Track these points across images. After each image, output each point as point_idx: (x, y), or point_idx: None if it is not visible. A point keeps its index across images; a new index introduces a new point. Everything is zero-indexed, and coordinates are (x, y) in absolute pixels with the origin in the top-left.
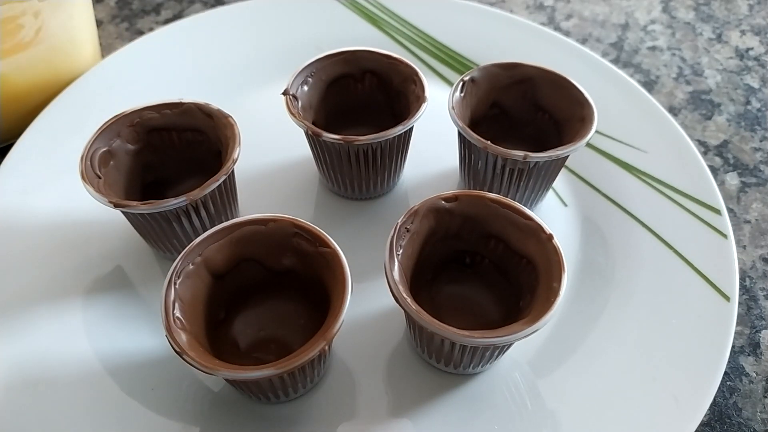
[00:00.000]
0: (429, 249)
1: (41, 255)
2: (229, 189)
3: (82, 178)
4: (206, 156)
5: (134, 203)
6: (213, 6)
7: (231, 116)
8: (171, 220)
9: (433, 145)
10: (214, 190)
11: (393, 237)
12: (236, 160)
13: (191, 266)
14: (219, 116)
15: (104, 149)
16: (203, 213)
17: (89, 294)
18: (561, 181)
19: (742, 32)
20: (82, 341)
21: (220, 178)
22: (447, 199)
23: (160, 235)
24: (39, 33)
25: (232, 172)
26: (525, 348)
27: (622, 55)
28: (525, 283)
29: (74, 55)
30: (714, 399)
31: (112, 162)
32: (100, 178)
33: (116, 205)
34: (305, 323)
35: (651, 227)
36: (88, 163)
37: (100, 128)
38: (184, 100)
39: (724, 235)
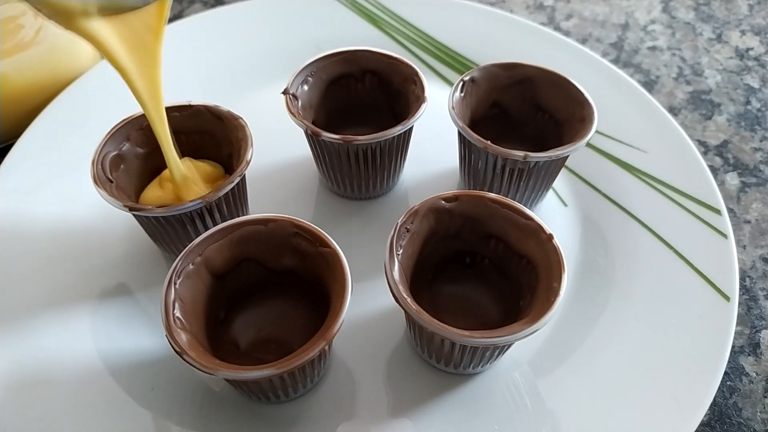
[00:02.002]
0: (429, 249)
1: (42, 255)
2: (241, 190)
3: (95, 182)
4: (215, 158)
5: (149, 207)
6: (213, 6)
7: (242, 118)
8: (185, 223)
9: (433, 145)
10: (227, 192)
11: (393, 237)
12: (249, 161)
13: (191, 266)
14: (229, 118)
15: (114, 153)
16: (216, 215)
17: (90, 294)
18: (561, 181)
19: (742, 32)
20: (83, 341)
21: (235, 180)
22: (447, 199)
23: (173, 238)
24: (39, 33)
25: (244, 173)
26: (525, 348)
27: (622, 55)
28: (525, 283)
29: (74, 55)
30: (714, 399)
31: (122, 165)
32: (112, 182)
33: (131, 209)
34: (305, 323)
35: (651, 227)
36: (100, 167)
37: (109, 132)
38: (192, 103)
39: (724, 235)
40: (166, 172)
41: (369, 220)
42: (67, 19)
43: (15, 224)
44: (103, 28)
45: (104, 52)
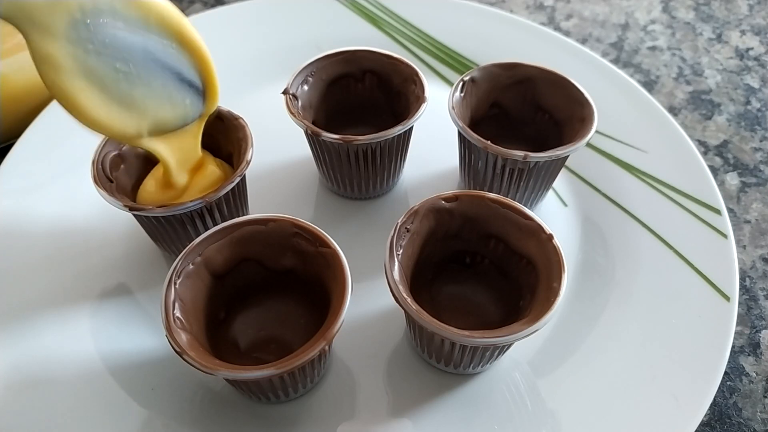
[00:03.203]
0: (429, 249)
1: (42, 256)
2: (241, 190)
3: (95, 182)
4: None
5: (149, 207)
6: (213, 6)
7: (242, 118)
8: (185, 223)
9: (433, 145)
10: (227, 192)
11: (393, 237)
12: (249, 161)
13: (191, 266)
14: (229, 118)
15: (114, 153)
16: (216, 215)
17: (90, 294)
18: (561, 181)
19: (742, 32)
20: (83, 341)
21: (235, 180)
22: (447, 199)
23: (173, 238)
24: None
25: (244, 173)
26: (525, 348)
27: (622, 55)
28: (525, 283)
29: None
30: (714, 399)
31: (122, 165)
32: (112, 182)
33: (131, 209)
34: (305, 323)
35: (651, 227)
36: (100, 167)
37: None
38: None
39: (724, 235)
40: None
41: (369, 220)
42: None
43: (15, 224)
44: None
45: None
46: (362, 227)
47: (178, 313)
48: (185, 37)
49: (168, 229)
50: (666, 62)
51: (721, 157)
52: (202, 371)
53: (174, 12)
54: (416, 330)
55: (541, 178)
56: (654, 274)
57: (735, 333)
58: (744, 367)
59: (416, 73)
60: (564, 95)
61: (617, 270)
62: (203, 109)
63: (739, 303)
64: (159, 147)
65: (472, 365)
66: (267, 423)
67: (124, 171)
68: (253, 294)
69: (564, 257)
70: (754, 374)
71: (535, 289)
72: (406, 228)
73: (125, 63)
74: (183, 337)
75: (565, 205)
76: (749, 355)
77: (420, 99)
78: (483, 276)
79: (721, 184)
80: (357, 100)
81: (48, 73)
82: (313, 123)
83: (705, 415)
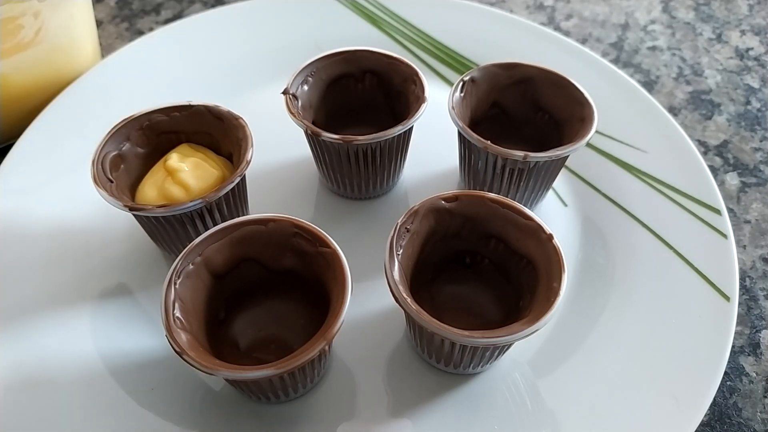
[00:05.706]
0: (429, 249)
1: (42, 256)
2: (241, 190)
3: (95, 182)
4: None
5: (149, 206)
6: (213, 6)
7: (242, 118)
8: (185, 223)
9: (433, 145)
10: (227, 192)
11: (393, 237)
12: (250, 161)
13: (191, 266)
14: (229, 118)
15: (115, 153)
16: (216, 215)
17: (90, 294)
18: (561, 181)
19: (742, 32)
20: (83, 341)
21: (235, 180)
22: (447, 199)
23: (173, 238)
24: (39, 33)
25: (244, 173)
26: (525, 348)
27: (622, 55)
28: (525, 283)
29: (74, 55)
30: (714, 399)
31: (122, 165)
32: (112, 182)
33: (131, 209)
34: (305, 323)
35: (651, 227)
36: (100, 167)
37: (109, 132)
38: (193, 103)
39: (724, 235)
40: (161, 167)
41: (369, 220)
42: None
43: (15, 224)
44: None
45: None
46: (362, 227)
47: (178, 313)
48: None
49: (168, 229)
50: (666, 62)
51: (721, 157)
52: (202, 371)
53: None
54: (416, 330)
55: (541, 178)
56: (654, 274)
57: (735, 333)
58: (744, 367)
59: (416, 73)
60: (564, 95)
61: (617, 270)
62: None
63: (739, 303)
64: None
65: (472, 365)
66: (267, 423)
67: (124, 171)
68: (253, 294)
69: (564, 257)
70: (754, 374)
71: (535, 289)
72: (406, 228)
73: None
74: (183, 337)
75: (565, 205)
76: (749, 355)
77: (420, 99)
78: (483, 276)
79: (721, 184)
80: (357, 100)
81: None
82: (313, 123)
83: (705, 415)
